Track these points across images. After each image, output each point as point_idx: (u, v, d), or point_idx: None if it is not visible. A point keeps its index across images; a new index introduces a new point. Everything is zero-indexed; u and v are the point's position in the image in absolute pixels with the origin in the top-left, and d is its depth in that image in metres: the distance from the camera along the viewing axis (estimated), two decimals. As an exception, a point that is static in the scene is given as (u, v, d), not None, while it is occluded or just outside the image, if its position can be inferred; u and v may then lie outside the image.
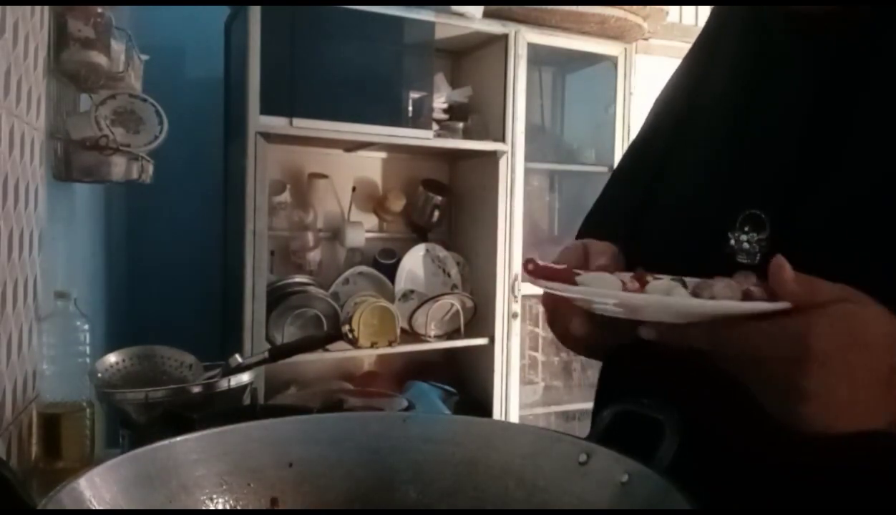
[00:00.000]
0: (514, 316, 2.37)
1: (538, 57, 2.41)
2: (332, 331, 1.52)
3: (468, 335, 2.38)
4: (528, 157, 2.38)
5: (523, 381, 2.48)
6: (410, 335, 2.32)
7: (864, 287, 0.44)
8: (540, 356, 2.59)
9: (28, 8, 1.03)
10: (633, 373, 0.63)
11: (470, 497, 0.55)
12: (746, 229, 0.55)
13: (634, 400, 0.53)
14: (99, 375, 1.14)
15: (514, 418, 2.39)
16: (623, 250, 0.58)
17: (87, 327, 1.13)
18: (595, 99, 2.61)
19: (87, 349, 1.13)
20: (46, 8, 1.15)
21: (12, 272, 0.97)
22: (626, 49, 2.45)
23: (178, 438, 0.53)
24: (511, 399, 2.40)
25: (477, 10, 2.21)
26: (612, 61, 2.47)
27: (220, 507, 0.52)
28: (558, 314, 0.57)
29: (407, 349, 2.30)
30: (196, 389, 1.07)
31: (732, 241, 0.55)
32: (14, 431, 0.98)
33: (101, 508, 0.45)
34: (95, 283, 1.78)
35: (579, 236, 0.69)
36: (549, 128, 2.67)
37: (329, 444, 0.59)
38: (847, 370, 0.41)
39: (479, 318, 2.40)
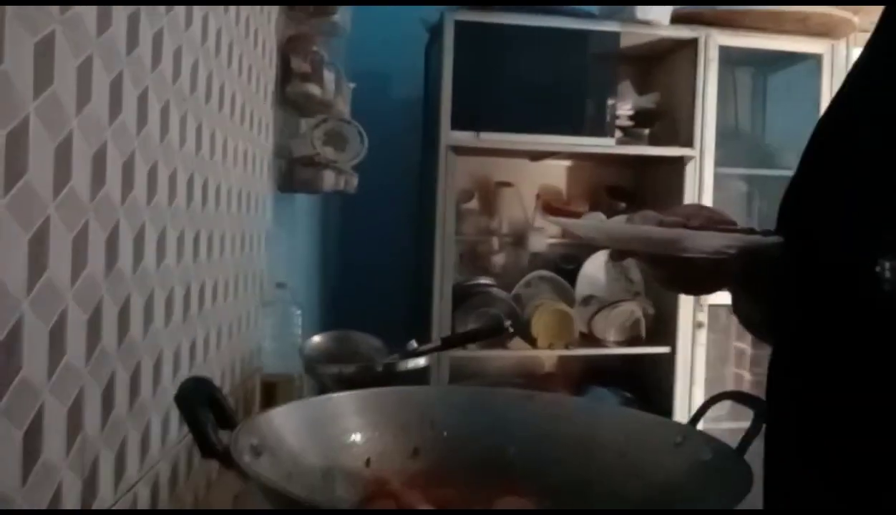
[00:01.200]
0: (700, 325, 2.31)
1: (731, 58, 2.33)
2: (495, 325, 1.59)
3: (649, 343, 2.37)
4: (720, 162, 2.31)
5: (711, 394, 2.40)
6: (589, 339, 2.36)
7: None
8: (730, 369, 2.49)
9: (259, 48, 1.28)
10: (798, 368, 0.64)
11: (575, 465, 0.63)
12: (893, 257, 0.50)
13: (731, 391, 0.58)
14: (306, 352, 1.37)
15: (697, 430, 2.32)
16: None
17: (299, 312, 1.36)
18: (798, 99, 2.45)
19: (299, 330, 1.36)
20: (274, 48, 1.41)
21: (244, 265, 1.22)
22: (833, 46, 2.27)
23: (343, 393, 0.67)
24: (694, 410, 2.33)
25: (664, 17, 2.20)
26: (816, 59, 2.30)
27: (368, 451, 0.65)
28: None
29: (585, 352, 2.35)
30: (380, 368, 1.25)
31: (881, 269, 0.51)
32: (241, 394, 1.23)
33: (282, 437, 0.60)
34: (308, 277, 2.08)
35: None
36: (745, 132, 2.56)
37: (466, 411, 0.70)
38: None
39: (661, 326, 2.38)
